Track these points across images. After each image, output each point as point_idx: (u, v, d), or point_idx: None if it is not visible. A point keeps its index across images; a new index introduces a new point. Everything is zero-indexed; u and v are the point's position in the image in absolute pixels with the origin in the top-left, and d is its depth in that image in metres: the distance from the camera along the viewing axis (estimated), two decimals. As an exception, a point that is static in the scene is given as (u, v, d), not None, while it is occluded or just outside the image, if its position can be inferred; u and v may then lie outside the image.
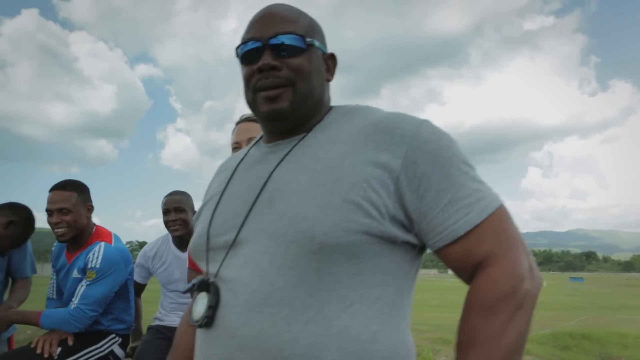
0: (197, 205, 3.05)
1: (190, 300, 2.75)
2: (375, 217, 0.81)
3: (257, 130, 1.86)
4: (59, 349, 2.26)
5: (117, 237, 2.51)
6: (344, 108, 1.00)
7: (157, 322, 2.94)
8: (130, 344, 2.82)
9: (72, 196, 2.35)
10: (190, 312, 1.19)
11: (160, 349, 2.74)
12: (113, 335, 2.44)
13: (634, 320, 12.85)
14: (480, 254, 0.82)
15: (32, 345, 2.26)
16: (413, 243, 0.87)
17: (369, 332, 0.81)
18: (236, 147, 1.85)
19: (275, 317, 0.80)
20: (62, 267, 2.50)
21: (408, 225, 0.85)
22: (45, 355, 2.21)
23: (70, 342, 2.29)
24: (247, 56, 0.96)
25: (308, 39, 0.95)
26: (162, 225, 2.94)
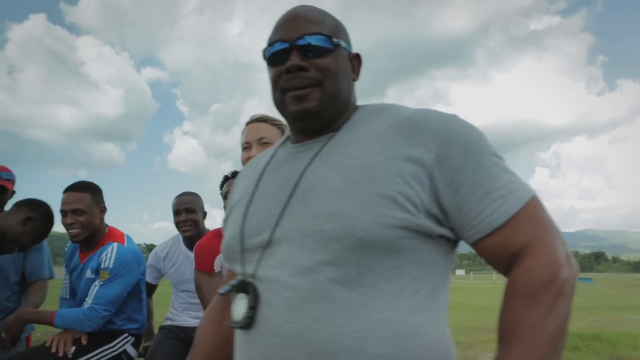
0: (206, 207, 3.08)
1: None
2: (412, 211, 0.83)
3: (267, 130, 1.86)
4: (73, 347, 2.29)
5: (129, 238, 2.54)
6: (370, 107, 1.02)
7: (168, 322, 2.96)
8: (142, 344, 2.85)
9: (85, 197, 2.38)
10: (206, 312, 1.20)
11: (172, 348, 2.77)
12: (126, 335, 2.47)
13: (644, 321, 12.73)
14: (517, 244, 0.83)
15: (47, 344, 2.29)
16: (447, 237, 0.89)
17: (412, 325, 0.82)
18: (246, 147, 1.84)
19: (318, 313, 0.81)
20: (75, 268, 2.54)
21: (443, 219, 0.86)
22: (60, 354, 2.24)
23: (84, 341, 2.32)
24: (275, 57, 0.97)
25: (335, 40, 0.96)
26: (170, 228, 2.99)
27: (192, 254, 2.95)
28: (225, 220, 1.10)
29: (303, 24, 0.96)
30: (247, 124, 1.91)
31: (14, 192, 2.84)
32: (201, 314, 2.56)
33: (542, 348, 0.76)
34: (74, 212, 2.35)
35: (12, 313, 2.43)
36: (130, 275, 2.39)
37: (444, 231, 0.87)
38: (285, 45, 0.95)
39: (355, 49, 1.04)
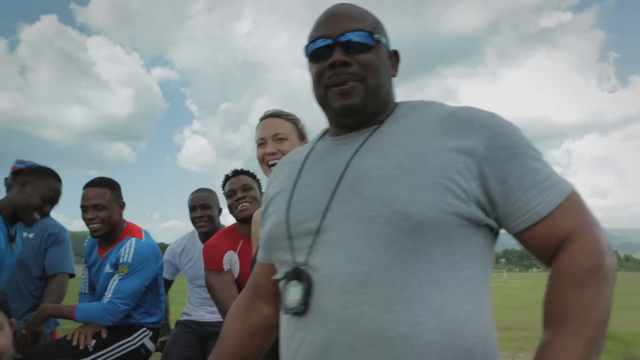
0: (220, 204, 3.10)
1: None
2: (463, 199, 0.86)
3: (281, 125, 1.85)
4: (94, 341, 2.32)
5: (147, 233, 2.57)
6: (410, 103, 1.04)
7: (185, 317, 3.00)
8: (159, 339, 2.88)
9: (106, 193, 2.42)
10: (233, 306, 1.21)
11: (189, 343, 2.80)
12: (144, 329, 2.50)
13: (658, 320, 12.59)
14: (563, 232, 0.87)
15: (69, 338, 2.33)
16: (492, 227, 0.92)
17: (464, 312, 0.84)
18: (262, 143, 1.84)
19: (375, 297, 0.83)
20: (94, 263, 2.58)
21: (489, 209, 0.90)
22: (81, 347, 2.28)
23: (104, 335, 2.36)
24: (317, 53, 0.99)
25: (376, 36, 0.99)
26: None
27: (207, 251, 2.98)
28: (263, 212, 1.12)
29: (345, 20, 0.98)
30: (261, 119, 1.91)
31: None
32: (217, 309, 2.58)
33: (593, 328, 0.79)
34: (95, 207, 2.39)
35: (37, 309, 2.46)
36: (148, 269, 2.43)
37: (490, 221, 0.90)
38: (328, 41, 0.97)
39: None
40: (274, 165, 1.77)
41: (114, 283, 2.37)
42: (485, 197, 0.89)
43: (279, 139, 1.80)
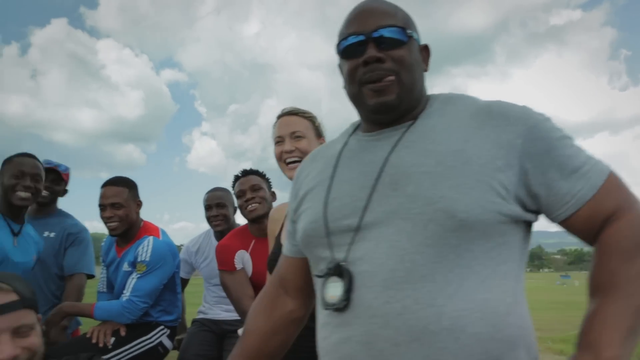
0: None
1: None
2: (504, 196, 0.88)
3: (299, 123, 1.85)
4: (113, 338, 2.34)
5: (164, 232, 2.59)
6: (441, 96, 1.05)
7: (201, 315, 3.02)
8: (176, 337, 2.90)
9: (123, 191, 2.44)
10: (256, 302, 1.21)
11: (205, 341, 2.82)
12: (162, 327, 2.52)
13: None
14: (607, 210, 0.90)
15: (88, 335, 2.35)
16: (528, 221, 0.94)
17: (504, 305, 0.87)
18: (279, 141, 1.83)
19: (418, 293, 0.85)
20: (112, 261, 2.60)
21: (529, 203, 0.91)
22: (100, 345, 2.30)
23: (122, 333, 2.37)
24: (349, 50, 0.99)
25: (408, 31, 0.99)
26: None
27: (224, 249, 3.00)
28: (296, 208, 1.11)
29: (377, 16, 0.98)
30: (279, 117, 1.90)
31: (66, 191, 2.88)
32: (232, 307, 2.60)
33: None
34: (113, 205, 2.41)
35: None
36: (166, 267, 2.44)
37: (528, 216, 0.92)
38: (361, 37, 0.97)
39: None
40: (292, 162, 1.78)
41: (132, 281, 2.39)
42: (526, 191, 0.90)
43: (296, 136, 1.80)
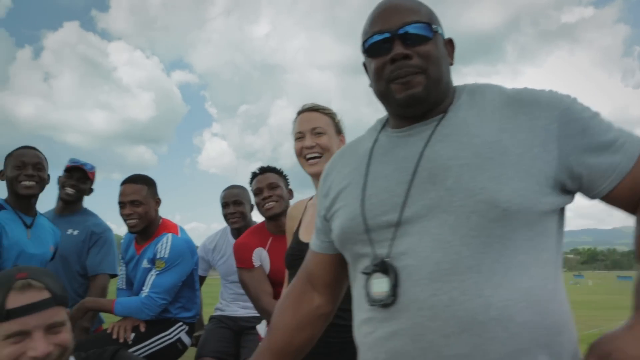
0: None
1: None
2: (544, 184, 0.89)
3: (319, 120, 1.85)
4: (133, 334, 2.37)
5: (182, 229, 2.61)
6: (467, 87, 1.05)
7: (218, 313, 3.04)
8: (193, 334, 2.92)
9: (142, 189, 2.47)
10: (283, 297, 1.21)
11: (223, 337, 2.84)
12: (180, 324, 2.54)
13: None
14: None
15: (109, 331, 2.39)
16: (563, 208, 0.96)
17: (547, 292, 0.89)
18: (299, 137, 1.83)
19: (465, 284, 0.86)
20: (132, 259, 2.62)
21: (569, 184, 0.92)
22: (121, 340, 2.33)
23: (142, 329, 2.40)
24: (375, 48, 0.99)
25: (433, 26, 0.99)
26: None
27: (240, 246, 3.01)
28: (330, 207, 1.10)
29: (401, 13, 0.98)
30: (299, 113, 1.90)
31: (92, 190, 2.90)
32: (250, 304, 2.61)
33: None
34: (132, 203, 2.44)
35: None
36: (184, 264, 2.46)
37: (566, 199, 0.94)
38: (387, 35, 0.97)
39: None
40: (312, 158, 1.78)
41: (151, 278, 2.41)
42: (567, 173, 0.91)
43: (317, 132, 1.80)
